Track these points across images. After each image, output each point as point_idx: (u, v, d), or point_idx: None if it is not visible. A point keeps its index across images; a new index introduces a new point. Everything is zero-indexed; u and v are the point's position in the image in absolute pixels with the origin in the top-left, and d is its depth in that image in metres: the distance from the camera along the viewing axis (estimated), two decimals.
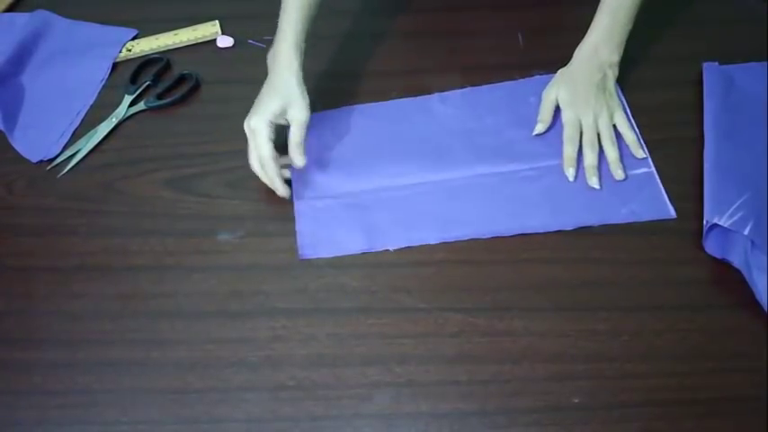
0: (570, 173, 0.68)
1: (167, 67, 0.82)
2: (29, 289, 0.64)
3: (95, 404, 0.57)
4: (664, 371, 0.57)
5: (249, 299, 0.62)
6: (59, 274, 0.65)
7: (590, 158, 0.69)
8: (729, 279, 0.61)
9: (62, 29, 0.87)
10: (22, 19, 0.87)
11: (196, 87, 0.80)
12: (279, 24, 0.70)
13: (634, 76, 0.78)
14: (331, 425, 0.55)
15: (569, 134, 0.70)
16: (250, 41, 0.85)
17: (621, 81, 0.77)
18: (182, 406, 0.56)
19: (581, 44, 0.73)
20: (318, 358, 0.58)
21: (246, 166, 0.72)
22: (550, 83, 0.73)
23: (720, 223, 0.61)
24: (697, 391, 0.56)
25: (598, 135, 0.70)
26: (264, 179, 0.67)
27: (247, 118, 0.67)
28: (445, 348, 0.58)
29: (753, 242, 0.59)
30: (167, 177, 0.72)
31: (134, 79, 0.81)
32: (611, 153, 0.69)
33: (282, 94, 0.67)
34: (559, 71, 0.73)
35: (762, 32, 0.81)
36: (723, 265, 0.62)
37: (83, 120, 0.77)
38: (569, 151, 0.69)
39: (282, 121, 0.67)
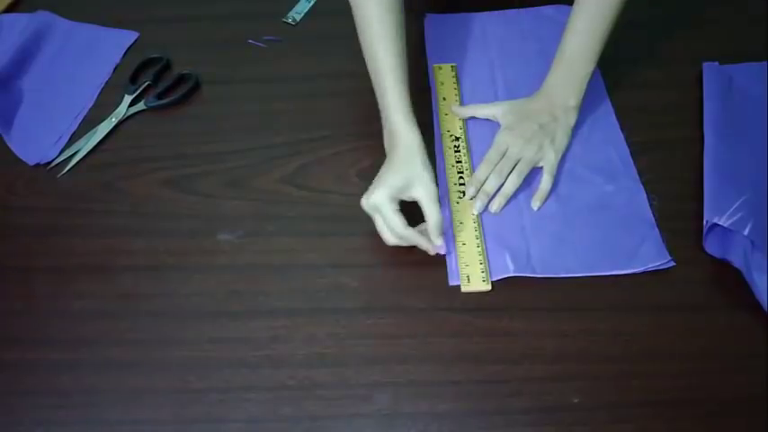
0: (470, 192, 0.67)
1: (167, 66, 0.82)
2: (29, 289, 0.64)
3: (95, 404, 0.57)
4: (664, 371, 0.57)
5: (249, 299, 0.62)
6: (59, 274, 0.65)
7: (490, 185, 0.67)
8: (729, 279, 0.61)
9: (63, 31, 0.87)
10: (23, 20, 0.87)
11: (196, 87, 0.80)
12: (380, 97, 0.66)
13: (634, 76, 0.78)
14: (331, 425, 0.55)
15: (490, 156, 0.69)
16: (250, 41, 0.85)
17: (621, 81, 0.77)
18: (182, 406, 0.56)
19: (542, 84, 0.72)
20: (318, 358, 0.58)
21: (246, 165, 0.72)
22: (508, 102, 0.73)
23: (720, 223, 0.61)
24: (697, 391, 0.56)
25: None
26: (408, 244, 0.63)
27: (366, 195, 0.62)
28: (445, 348, 0.58)
29: (752, 242, 0.59)
30: (167, 177, 0.72)
31: (134, 79, 0.81)
32: (508, 185, 0.67)
33: (404, 172, 0.62)
34: (521, 99, 0.73)
35: (762, 32, 0.81)
36: (723, 265, 0.62)
37: (83, 119, 0.77)
38: (480, 173, 0.68)
39: (405, 197, 0.63)
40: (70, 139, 0.76)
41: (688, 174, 0.68)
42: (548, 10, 0.85)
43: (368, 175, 0.70)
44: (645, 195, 0.67)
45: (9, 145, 0.75)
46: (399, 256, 0.64)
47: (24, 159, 0.74)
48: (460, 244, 0.64)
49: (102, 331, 0.61)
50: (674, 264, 0.62)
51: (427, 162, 0.63)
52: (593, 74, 0.71)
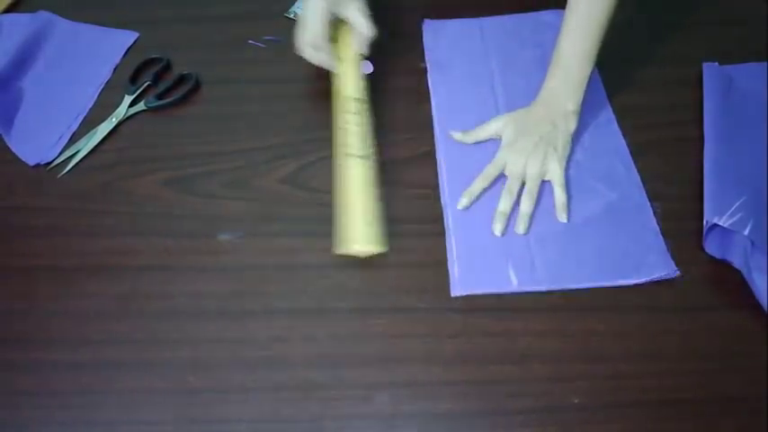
0: (463, 202, 0.66)
1: (167, 67, 0.83)
2: (30, 289, 0.64)
3: (96, 404, 0.57)
4: (663, 371, 0.57)
5: (249, 299, 0.62)
6: (60, 274, 0.65)
7: (502, 205, 0.66)
8: (729, 279, 0.61)
9: (64, 31, 0.87)
10: (23, 20, 0.87)
11: (196, 87, 0.80)
12: None
13: (634, 76, 0.78)
14: (331, 425, 0.55)
15: (488, 172, 0.68)
16: (250, 41, 0.85)
17: (621, 82, 0.77)
18: (182, 406, 0.56)
19: (540, 91, 0.71)
20: (318, 358, 0.58)
21: (247, 166, 0.72)
22: (507, 115, 0.72)
23: (720, 223, 0.61)
24: (697, 391, 0.56)
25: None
26: (314, 60, 0.75)
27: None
28: (445, 348, 0.58)
29: (752, 242, 0.59)
30: (167, 177, 0.72)
31: (134, 79, 0.81)
32: (524, 207, 0.66)
33: None
34: (519, 110, 0.72)
35: (762, 32, 0.81)
36: (723, 265, 0.62)
37: (83, 120, 0.77)
38: (475, 187, 0.67)
39: (339, 12, 0.73)
40: (70, 139, 0.76)
41: (688, 174, 0.68)
42: (547, 16, 0.85)
43: None
44: (648, 203, 0.67)
45: (9, 145, 0.75)
46: (399, 256, 0.64)
47: (24, 159, 0.74)
48: (343, 208, 0.64)
49: (102, 331, 0.61)
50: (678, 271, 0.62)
51: None
52: (592, 77, 0.70)
